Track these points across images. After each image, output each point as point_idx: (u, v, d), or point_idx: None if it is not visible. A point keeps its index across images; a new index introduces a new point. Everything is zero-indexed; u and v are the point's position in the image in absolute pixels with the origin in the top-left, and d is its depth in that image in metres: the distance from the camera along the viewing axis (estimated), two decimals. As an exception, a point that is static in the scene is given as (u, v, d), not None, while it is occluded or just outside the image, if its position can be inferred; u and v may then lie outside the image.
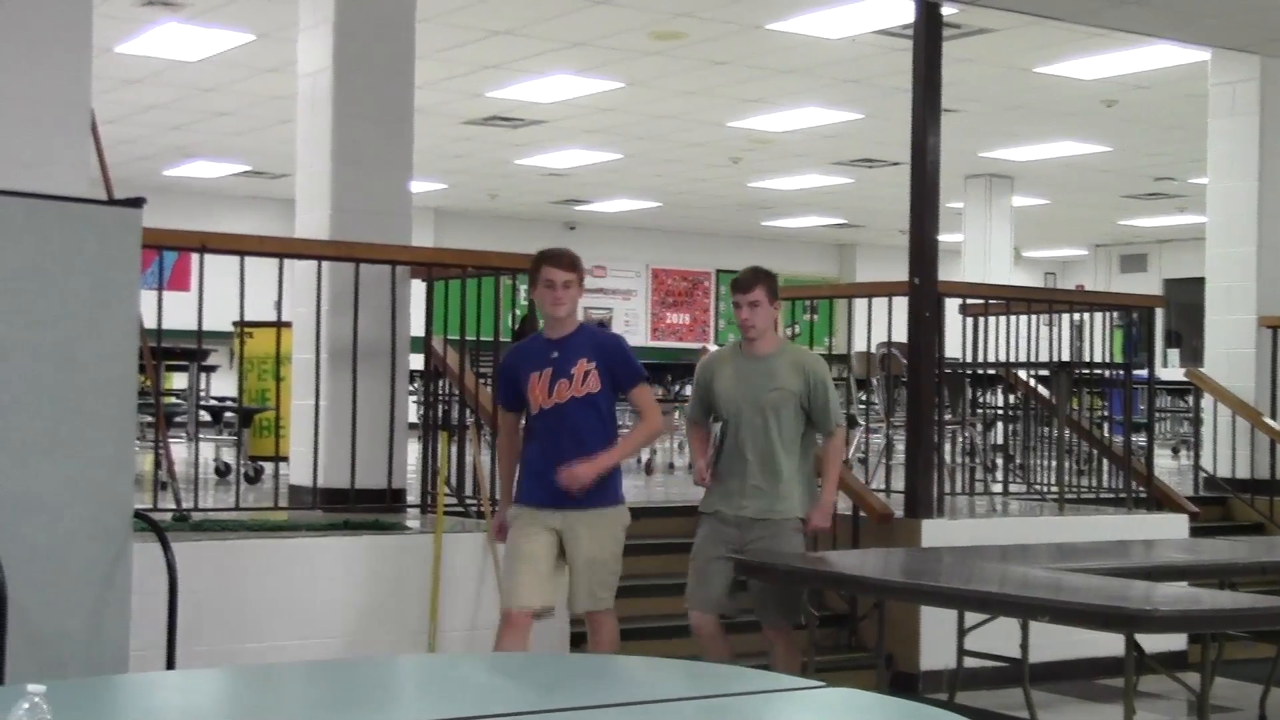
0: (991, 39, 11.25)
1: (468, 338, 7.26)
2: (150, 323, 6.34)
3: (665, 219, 22.92)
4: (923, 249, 8.22)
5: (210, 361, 11.03)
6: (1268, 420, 10.30)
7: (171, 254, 12.59)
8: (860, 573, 6.31)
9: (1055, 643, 6.92)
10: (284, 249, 7.23)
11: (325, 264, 7.07)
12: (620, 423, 6.28)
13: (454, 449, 7.23)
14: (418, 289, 7.54)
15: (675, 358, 20.39)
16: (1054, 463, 9.59)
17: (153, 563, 5.18)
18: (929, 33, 8.30)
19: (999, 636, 6.42)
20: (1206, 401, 10.98)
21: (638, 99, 13.84)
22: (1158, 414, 14.16)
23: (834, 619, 7.72)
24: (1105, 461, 9.84)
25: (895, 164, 15.78)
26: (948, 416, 8.95)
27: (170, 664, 5.18)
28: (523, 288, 8.02)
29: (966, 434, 10.05)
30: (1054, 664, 7.53)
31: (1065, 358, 9.80)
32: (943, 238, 8.50)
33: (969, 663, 6.70)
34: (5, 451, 4.83)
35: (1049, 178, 18.20)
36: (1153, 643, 6.33)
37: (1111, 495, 9.44)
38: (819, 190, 19.45)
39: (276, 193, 18.42)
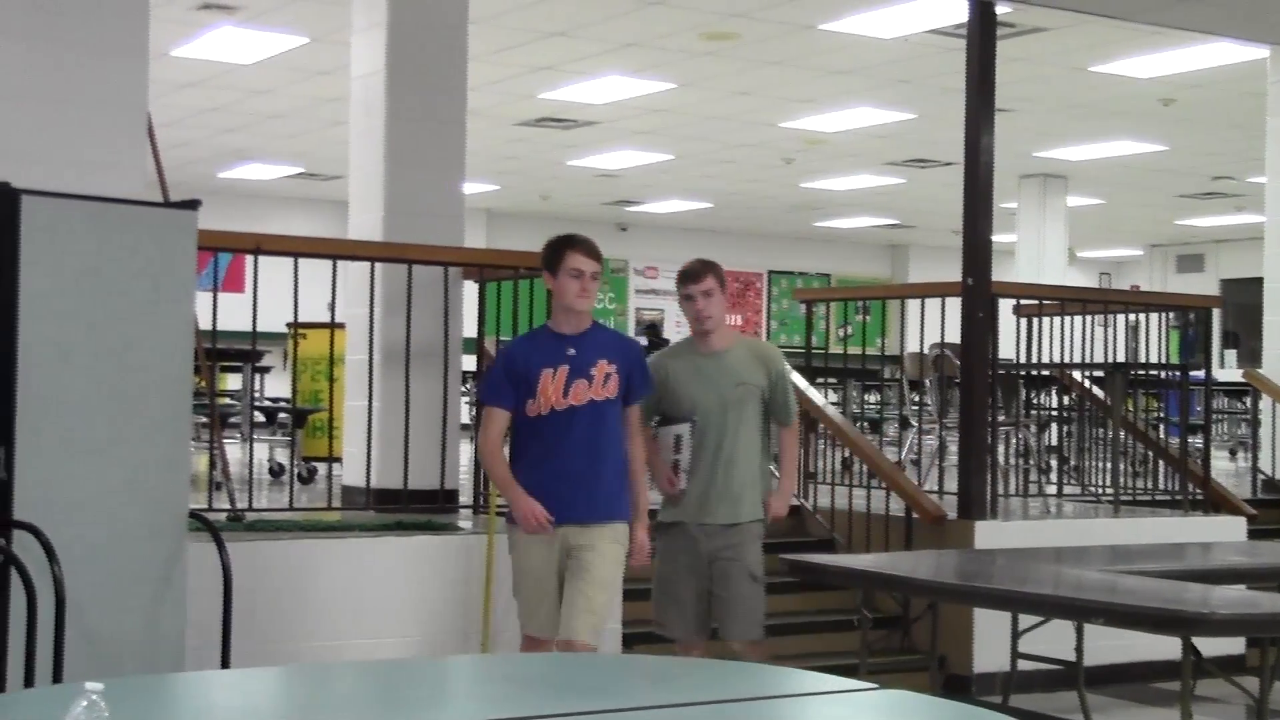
0: (1046, 38, 11.18)
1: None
2: (205, 324, 6.38)
3: (717, 220, 22.89)
4: (976, 249, 8.17)
5: (264, 363, 11.06)
6: (1327, 422, 10.19)
7: (226, 256, 12.62)
8: (913, 574, 6.28)
9: (1110, 646, 6.87)
10: (337, 250, 7.26)
11: (378, 265, 7.10)
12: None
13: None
14: (470, 290, 7.56)
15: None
16: (1109, 464, 9.51)
17: (208, 562, 5.22)
18: (983, 32, 8.25)
19: (1053, 639, 6.38)
20: (1265, 403, 10.87)
21: (690, 100, 13.83)
22: (1215, 415, 14.02)
23: (887, 621, 7.69)
24: (1161, 463, 9.75)
25: (948, 164, 15.70)
26: (1001, 418, 8.89)
27: (225, 663, 5.22)
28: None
29: (1020, 435, 9.99)
30: (1109, 667, 7.47)
31: (1120, 359, 9.72)
32: (996, 238, 8.45)
33: (1023, 665, 6.67)
34: (65, 452, 4.88)
35: (1104, 177, 18.06)
36: (1210, 646, 6.25)
37: (1167, 497, 9.35)
38: (871, 190, 19.37)
39: (330, 195, 18.51)
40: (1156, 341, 9.39)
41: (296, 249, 6.98)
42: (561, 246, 5.36)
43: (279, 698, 3.32)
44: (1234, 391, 16.14)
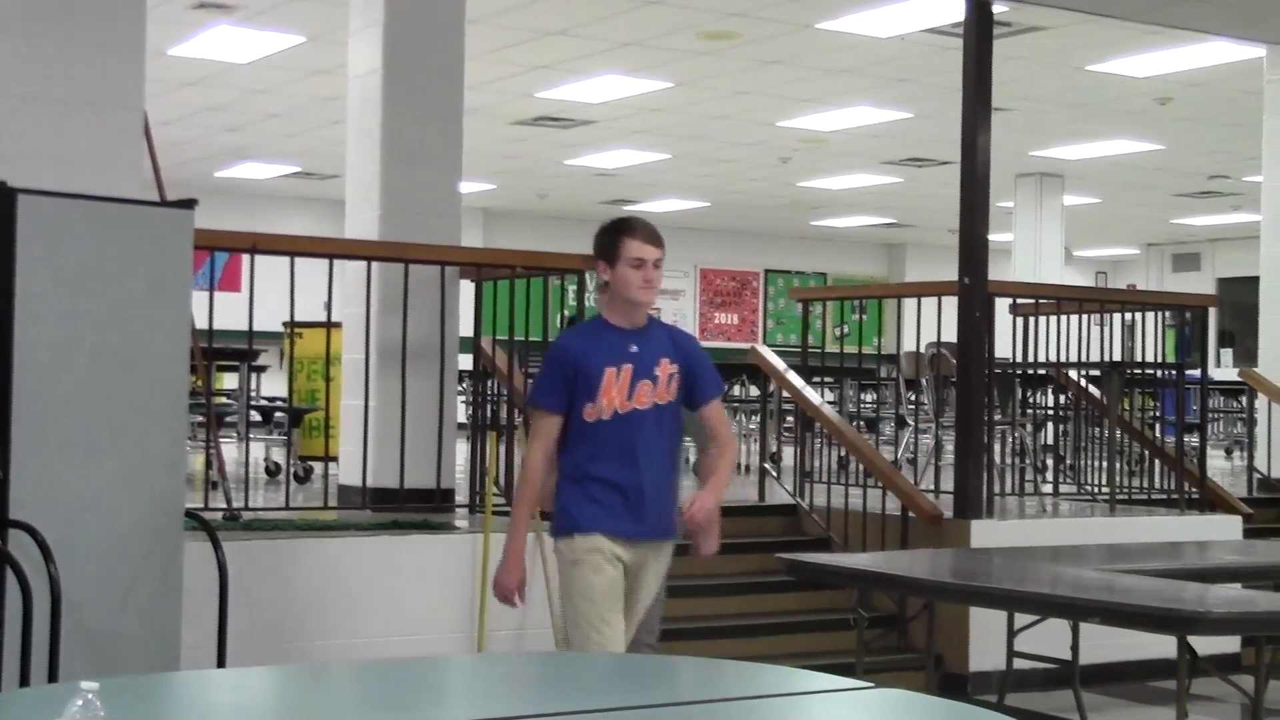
0: (1043, 37, 11.18)
1: (516, 338, 7.27)
2: (201, 323, 6.38)
3: (714, 219, 22.90)
4: (973, 248, 8.18)
5: (260, 362, 11.10)
6: (1323, 421, 10.20)
7: (223, 255, 12.64)
8: (909, 573, 6.28)
9: (1106, 645, 6.88)
10: (334, 249, 7.27)
11: (375, 264, 7.10)
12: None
13: (502, 449, 7.24)
14: (467, 289, 7.56)
15: (724, 358, 20.30)
16: (1105, 463, 9.52)
17: (204, 561, 5.22)
18: (980, 31, 8.26)
19: (1049, 638, 6.38)
20: (1260, 402, 10.88)
21: (687, 99, 13.83)
22: (1211, 414, 14.03)
23: (883, 620, 7.70)
24: (1157, 462, 9.76)
25: (945, 163, 15.70)
26: (997, 417, 8.90)
27: (221, 662, 5.22)
28: (571, 288, 8.04)
29: (1016, 434, 9.99)
30: (1105, 666, 7.48)
31: (1117, 358, 9.73)
32: (993, 237, 8.45)
33: (1019, 664, 6.67)
34: (61, 451, 4.89)
35: (1100, 176, 18.07)
36: (1206, 645, 6.27)
37: (1164, 496, 9.36)
38: (868, 190, 19.38)
39: (327, 194, 18.51)
40: (1153, 341, 9.40)
41: (293, 248, 6.98)
42: (618, 233, 4.77)
43: (275, 697, 3.32)
44: (1230, 390, 16.15)
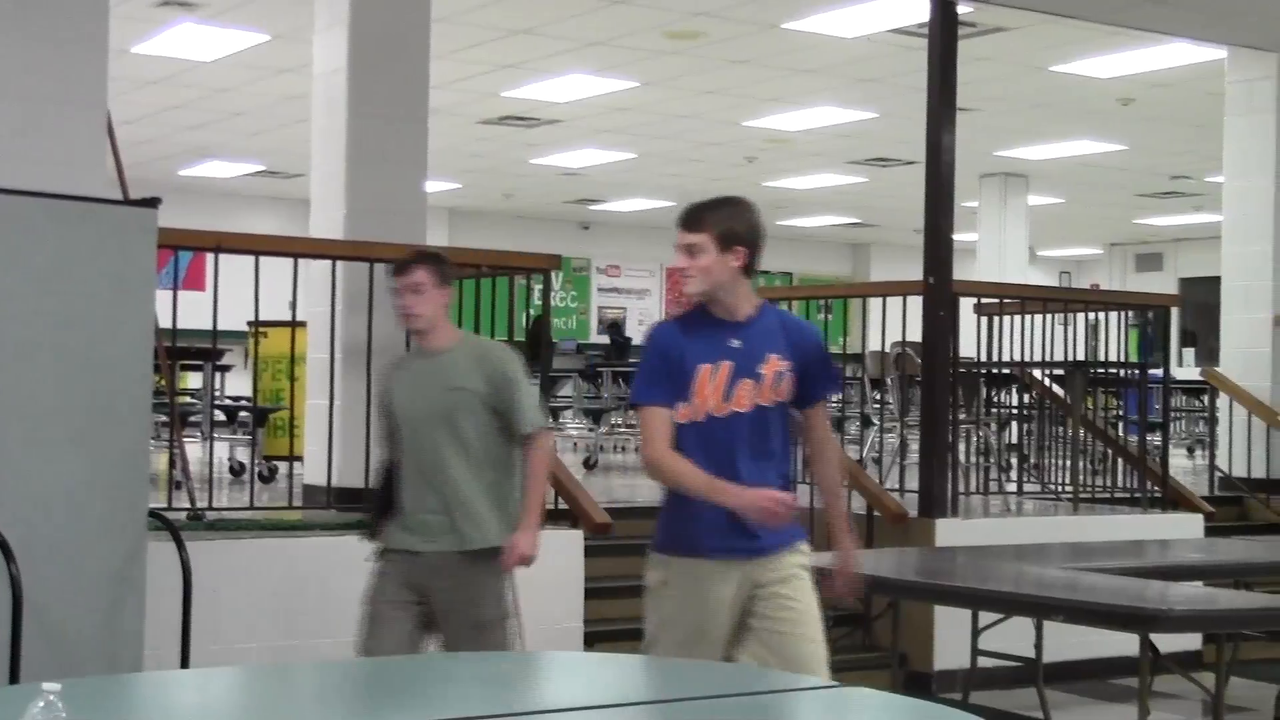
0: (1007, 37, 11.23)
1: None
2: (165, 322, 6.35)
3: (680, 218, 22.88)
4: (937, 248, 8.21)
5: (225, 361, 11.04)
6: (1284, 420, 10.27)
7: (187, 254, 12.60)
8: (874, 572, 6.29)
9: (1069, 642, 6.92)
10: (299, 249, 7.25)
11: (340, 264, 7.08)
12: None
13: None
14: (432, 288, 7.53)
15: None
16: (1069, 462, 9.58)
17: (167, 561, 5.20)
18: (944, 31, 8.29)
19: (1013, 636, 6.41)
20: (1222, 401, 10.96)
21: (653, 99, 13.84)
22: (1173, 413, 14.12)
23: (848, 619, 7.72)
24: (1120, 461, 9.82)
25: (910, 163, 15.75)
26: (962, 416, 8.94)
27: (185, 662, 5.20)
28: (537, 287, 8.04)
29: (981, 433, 10.03)
30: (1068, 664, 7.51)
31: (1080, 357, 9.78)
32: (957, 237, 8.49)
33: (983, 662, 6.70)
34: (24, 450, 4.86)
35: (1064, 176, 18.16)
36: (1168, 643, 6.32)
37: (1126, 495, 9.42)
38: (834, 189, 19.43)
39: (291, 193, 18.43)
40: (1116, 340, 9.45)
41: (258, 247, 6.96)
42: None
43: (239, 698, 3.30)
44: (1192, 390, 16.25)
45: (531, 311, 13.14)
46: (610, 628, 7.32)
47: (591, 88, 13.38)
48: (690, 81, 13.10)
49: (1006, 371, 10.24)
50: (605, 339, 22.11)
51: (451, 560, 4.98)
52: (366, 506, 5.48)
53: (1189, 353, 22.80)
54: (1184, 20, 9.54)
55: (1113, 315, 9.59)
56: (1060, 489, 9.65)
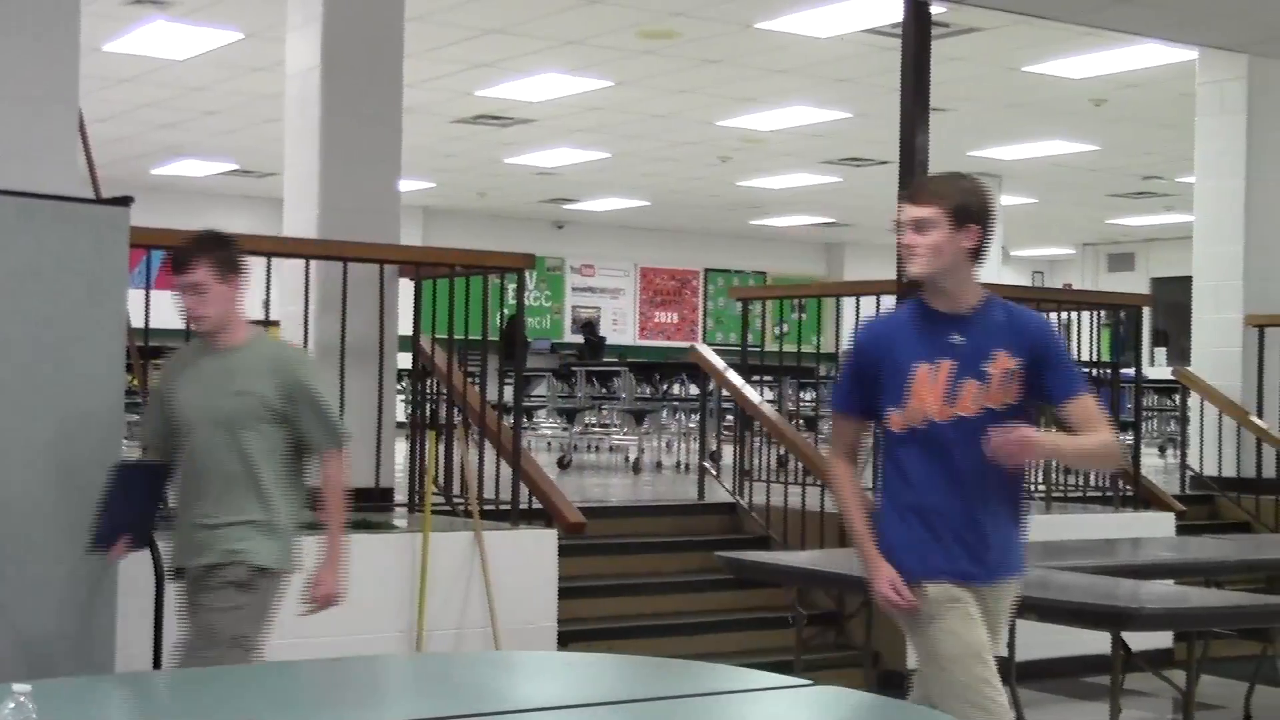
0: (980, 38, 11.27)
1: (456, 337, 7.26)
2: (138, 322, 6.33)
3: (654, 218, 22.92)
4: (911, 248, 8.22)
5: (198, 360, 10.99)
6: (1254, 419, 10.32)
7: (159, 253, 12.52)
8: (848, 571, 6.30)
9: (1041, 641, 6.93)
10: (272, 248, 7.21)
11: (313, 263, 7.06)
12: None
13: (442, 448, 7.22)
14: (406, 288, 7.54)
15: (663, 356, 20.41)
16: (1040, 461, 9.60)
17: (139, 562, 5.17)
18: (918, 31, 8.31)
19: (986, 635, 6.42)
20: (1194, 400, 11.01)
21: (627, 98, 13.84)
22: (1145, 413, 14.18)
23: (822, 617, 7.73)
24: (1093, 460, 9.84)
25: (884, 163, 15.79)
26: (936, 415, 8.95)
27: (157, 663, 5.18)
28: (511, 287, 8.03)
29: (954, 433, 10.03)
30: (1040, 662, 7.54)
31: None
32: (931, 237, 8.49)
33: (956, 661, 6.70)
34: (-6, 451, 4.83)
35: (1037, 177, 18.22)
36: (1139, 641, 6.33)
37: (1098, 494, 9.46)
38: (808, 189, 19.46)
39: (264, 192, 18.38)
40: (1088, 339, 9.49)
41: (230, 246, 6.91)
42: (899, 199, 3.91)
43: (211, 698, 3.30)
44: (1164, 389, 16.33)
45: (506, 311, 13.14)
46: (584, 627, 7.33)
47: (566, 87, 13.37)
48: (664, 81, 13.11)
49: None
50: (579, 338, 22.12)
51: (218, 572, 4.53)
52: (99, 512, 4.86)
53: (1160, 352, 22.91)
54: (1155, 21, 9.57)
55: (1085, 315, 9.63)
56: (1033, 488, 9.69)
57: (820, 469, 8.43)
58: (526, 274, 7.46)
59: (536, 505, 7.01)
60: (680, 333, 24.95)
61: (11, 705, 2.28)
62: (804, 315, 10.53)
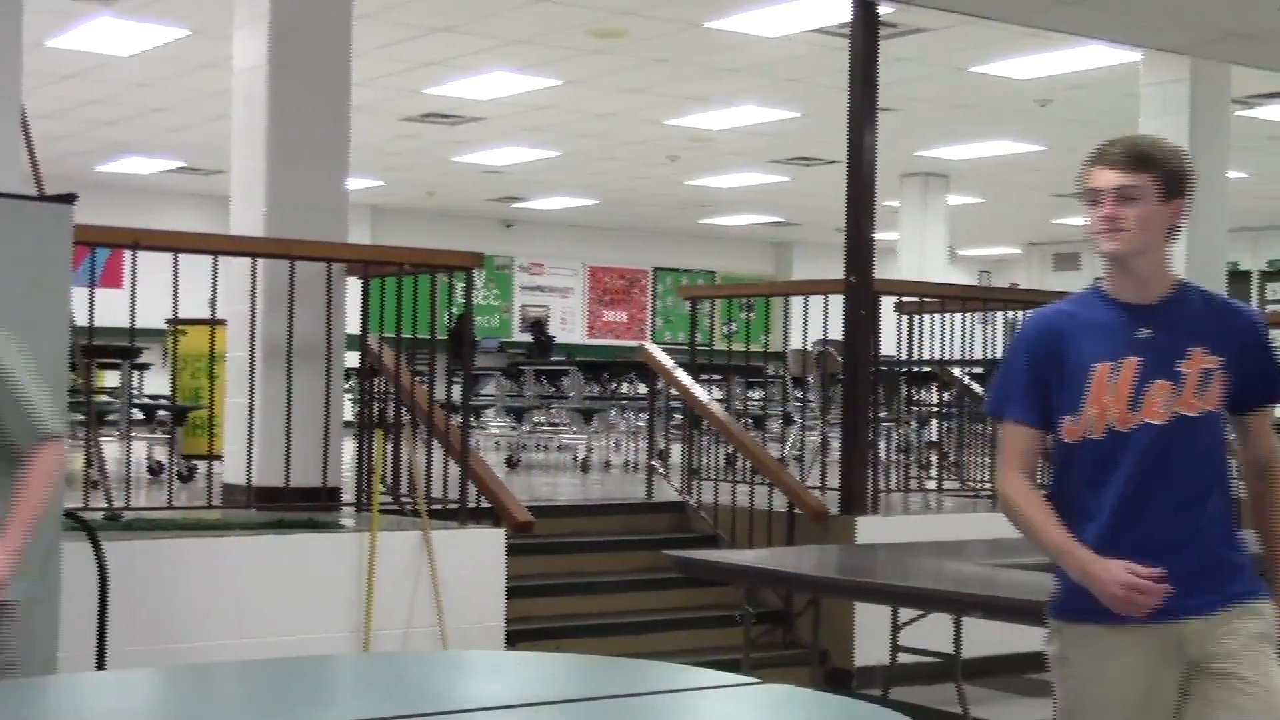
0: (927, 38, 11.33)
1: (404, 336, 7.23)
2: (82, 320, 6.28)
3: (603, 217, 22.93)
4: (859, 247, 8.27)
5: (143, 359, 10.93)
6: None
7: (104, 251, 12.45)
8: (796, 570, 6.34)
9: (987, 638, 6.98)
10: (218, 246, 7.18)
11: (260, 261, 7.03)
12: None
13: (389, 447, 7.20)
14: (354, 287, 7.51)
15: (612, 355, 20.41)
16: (988, 459, 9.67)
17: (83, 562, 5.13)
18: (866, 32, 8.35)
19: (932, 632, 6.47)
20: (1138, 399, 11.10)
21: (576, 97, 13.83)
22: (1090, 411, 14.28)
23: (770, 616, 7.76)
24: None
25: (832, 162, 15.84)
26: (883, 414, 9.00)
27: (101, 665, 5.14)
28: (459, 285, 8.01)
29: (901, 431, 10.11)
30: (986, 659, 7.59)
31: (999, 355, 9.88)
32: (879, 236, 8.55)
33: (903, 658, 6.75)
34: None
35: (984, 176, 18.34)
36: (1084, 638, 6.38)
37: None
38: (756, 188, 19.51)
39: (211, 189, 18.26)
40: (1034, 339, 9.54)
41: (176, 244, 6.88)
42: (1086, 165, 3.32)
43: (157, 700, 3.27)
44: (1108, 388, 16.43)
45: (454, 310, 13.11)
46: (532, 626, 7.33)
47: (514, 85, 13.36)
48: (613, 80, 13.11)
49: (927, 370, 10.33)
50: (528, 337, 22.10)
51: None
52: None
53: (1105, 351, 23.08)
54: (1100, 23, 9.65)
55: (1031, 314, 9.69)
56: (979, 486, 9.75)
57: (769, 467, 8.46)
58: (475, 273, 7.45)
59: (485, 504, 7.00)
60: (629, 332, 24.96)
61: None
62: (752, 314, 10.56)
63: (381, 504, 6.82)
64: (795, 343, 10.10)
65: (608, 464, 13.18)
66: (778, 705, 3.31)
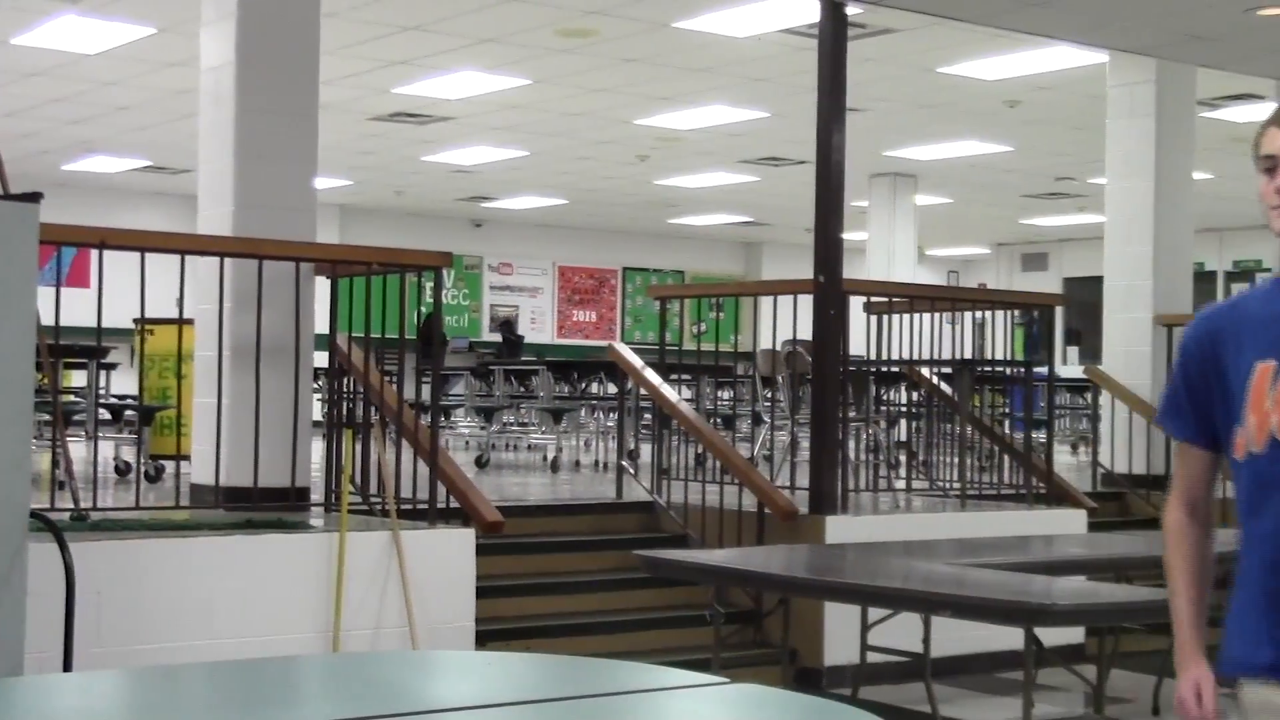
0: (895, 39, 11.36)
1: (373, 336, 7.22)
2: (48, 320, 6.24)
3: (572, 217, 22.91)
4: (827, 247, 8.29)
5: (110, 359, 10.87)
6: (1164, 417, 10.48)
7: (70, 250, 12.38)
8: (765, 569, 6.35)
9: (956, 637, 7.02)
10: (186, 245, 7.14)
11: (228, 261, 7.00)
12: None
13: (358, 447, 7.18)
14: (322, 286, 7.48)
15: (582, 355, 20.40)
16: (956, 459, 9.70)
17: (50, 563, 5.10)
18: (834, 32, 8.37)
19: (901, 631, 6.49)
20: (1105, 398, 11.17)
21: (545, 96, 13.82)
22: (1057, 411, 14.36)
23: (740, 615, 7.76)
24: (1006, 458, 9.97)
25: (801, 162, 15.88)
26: (852, 414, 9.02)
27: (67, 666, 5.11)
28: (428, 285, 8.00)
29: (870, 431, 10.14)
30: (955, 658, 7.62)
31: (967, 355, 9.92)
32: (847, 236, 8.57)
33: (872, 658, 6.77)
34: (-103, 451, 4.74)
35: (952, 177, 18.40)
36: (1051, 636, 6.43)
37: (1012, 491, 9.57)
38: (726, 188, 19.53)
39: (178, 188, 18.19)
40: (1002, 339, 9.60)
41: (143, 243, 6.84)
42: (1259, 130, 2.78)
43: (124, 702, 3.26)
44: (1076, 387, 16.55)
45: (423, 309, 13.08)
46: (502, 626, 7.32)
47: (483, 85, 13.34)
48: (582, 79, 13.10)
49: (895, 369, 10.36)
50: (497, 337, 22.07)
51: None
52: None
53: (1073, 351, 23.22)
54: (1067, 25, 9.70)
55: (999, 314, 9.74)
56: (948, 485, 9.78)
57: (738, 467, 8.46)
58: (444, 272, 7.43)
59: (454, 504, 6.99)
60: (598, 331, 24.96)
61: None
62: (722, 314, 10.57)
63: (350, 504, 6.80)
64: (764, 342, 10.12)
65: (577, 464, 13.17)
66: (747, 705, 3.31)
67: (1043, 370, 10.68)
